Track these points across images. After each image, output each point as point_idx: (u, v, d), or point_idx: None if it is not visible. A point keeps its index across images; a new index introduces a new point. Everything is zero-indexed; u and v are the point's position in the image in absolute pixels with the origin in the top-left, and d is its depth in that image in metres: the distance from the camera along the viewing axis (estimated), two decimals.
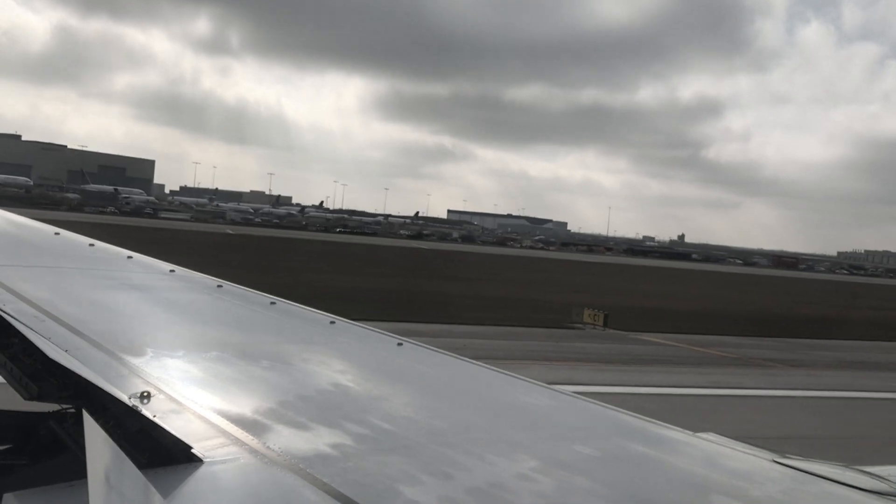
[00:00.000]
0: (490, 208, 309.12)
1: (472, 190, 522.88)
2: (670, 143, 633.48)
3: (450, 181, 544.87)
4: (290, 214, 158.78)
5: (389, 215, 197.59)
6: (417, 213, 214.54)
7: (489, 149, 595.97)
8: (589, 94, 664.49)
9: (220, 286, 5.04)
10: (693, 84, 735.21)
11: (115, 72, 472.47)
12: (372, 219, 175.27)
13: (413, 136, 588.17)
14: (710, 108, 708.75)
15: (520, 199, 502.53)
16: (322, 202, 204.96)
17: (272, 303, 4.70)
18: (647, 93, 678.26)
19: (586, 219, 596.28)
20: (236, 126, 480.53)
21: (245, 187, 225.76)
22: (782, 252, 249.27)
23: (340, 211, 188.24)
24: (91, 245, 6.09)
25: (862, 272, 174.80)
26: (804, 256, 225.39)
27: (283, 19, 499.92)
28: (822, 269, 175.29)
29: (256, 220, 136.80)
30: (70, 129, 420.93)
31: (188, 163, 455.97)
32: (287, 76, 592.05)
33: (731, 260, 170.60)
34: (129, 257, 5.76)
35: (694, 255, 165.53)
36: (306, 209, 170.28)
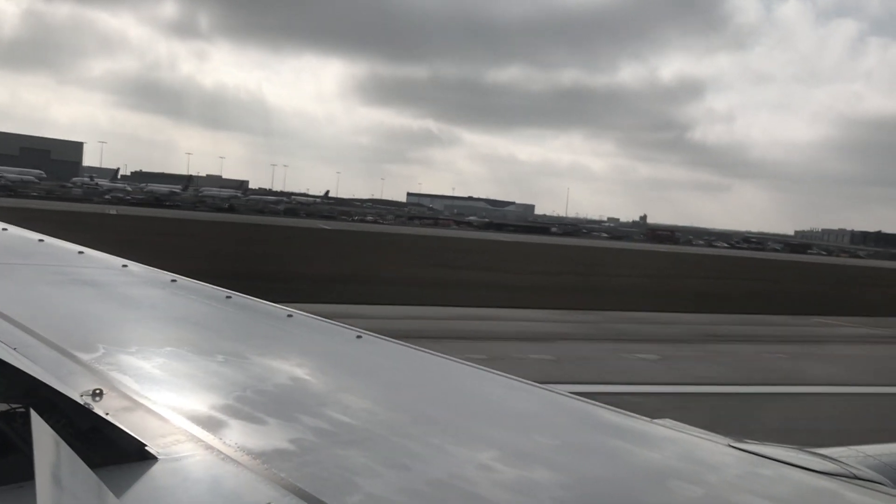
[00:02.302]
0: (483, 194, 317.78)
1: (462, 175, 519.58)
2: (655, 126, 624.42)
3: (439, 166, 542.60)
4: (174, 193, 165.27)
5: (293, 194, 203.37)
6: (327, 192, 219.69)
7: (476, 133, 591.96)
8: (569, 76, 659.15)
9: (173, 280, 5.04)
10: (673, 64, 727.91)
11: (67, 54, 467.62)
12: (276, 198, 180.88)
13: (398, 121, 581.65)
14: (691, 89, 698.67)
15: (510, 185, 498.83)
16: (242, 183, 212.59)
17: (228, 297, 4.69)
18: (626, 73, 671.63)
19: (575, 202, 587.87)
20: (214, 112, 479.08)
21: (209, 172, 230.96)
22: (748, 232, 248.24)
23: (235, 188, 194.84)
24: (40, 241, 6.07)
25: (746, 245, 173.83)
26: (754, 235, 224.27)
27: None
28: (702, 242, 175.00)
29: (107, 196, 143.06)
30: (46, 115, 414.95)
31: (175, 150, 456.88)
32: (263, 60, 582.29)
33: (598, 234, 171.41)
34: (81, 252, 5.71)
35: (553, 230, 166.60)
36: (188, 188, 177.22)
